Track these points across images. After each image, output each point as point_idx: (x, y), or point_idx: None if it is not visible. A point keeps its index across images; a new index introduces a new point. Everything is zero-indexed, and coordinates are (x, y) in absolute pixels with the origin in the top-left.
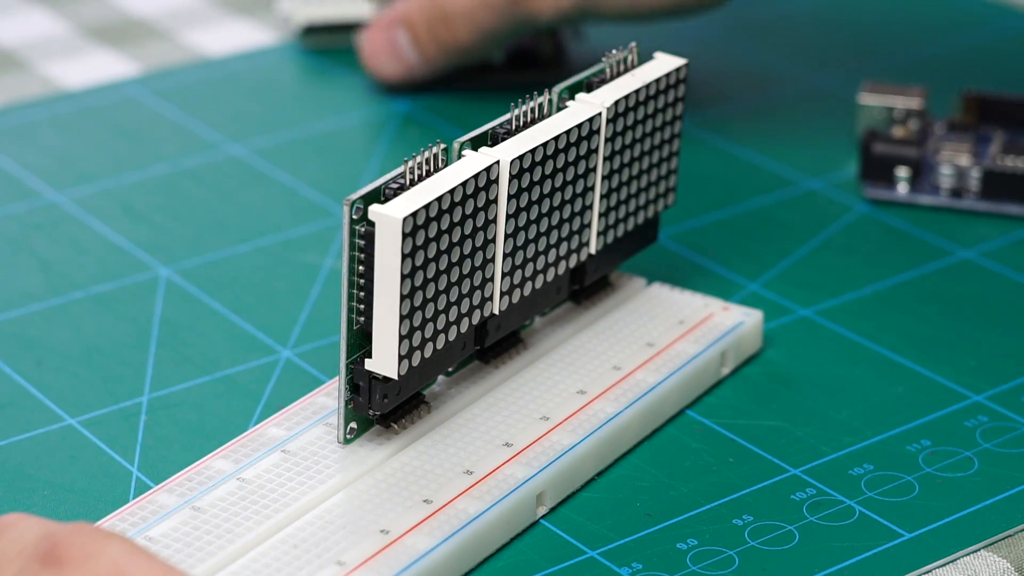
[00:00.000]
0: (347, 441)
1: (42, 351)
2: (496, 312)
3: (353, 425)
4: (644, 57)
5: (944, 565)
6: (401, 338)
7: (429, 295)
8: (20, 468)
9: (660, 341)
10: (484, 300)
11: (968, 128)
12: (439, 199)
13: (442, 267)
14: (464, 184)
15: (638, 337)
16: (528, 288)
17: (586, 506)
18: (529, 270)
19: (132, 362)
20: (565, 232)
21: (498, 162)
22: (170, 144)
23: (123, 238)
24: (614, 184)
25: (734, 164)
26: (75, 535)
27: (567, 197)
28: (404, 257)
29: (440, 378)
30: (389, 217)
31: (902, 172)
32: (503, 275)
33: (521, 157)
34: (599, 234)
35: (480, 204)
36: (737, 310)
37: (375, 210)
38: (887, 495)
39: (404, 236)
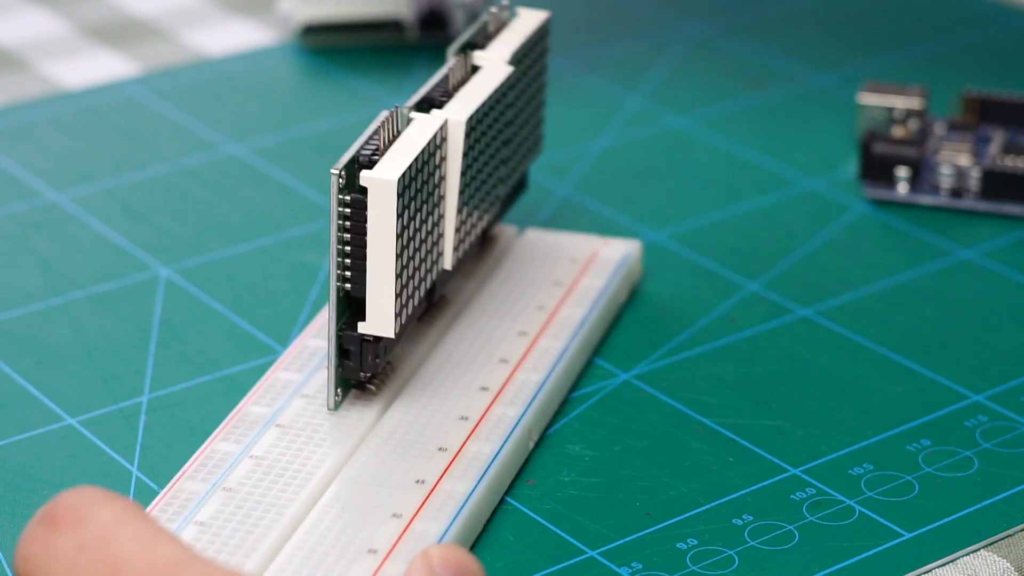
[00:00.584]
0: (336, 407)
1: (42, 351)
2: (448, 267)
3: (339, 391)
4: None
5: (944, 565)
6: (395, 296)
7: (411, 253)
8: (20, 468)
9: (565, 279)
10: (439, 256)
11: (968, 128)
12: (415, 159)
13: (417, 225)
14: (428, 144)
15: (544, 277)
16: (468, 244)
17: (586, 506)
18: (469, 226)
19: (132, 362)
20: (489, 188)
21: (449, 122)
22: (170, 144)
23: (123, 238)
24: (506, 138)
25: (734, 164)
26: (71, 497)
27: (493, 152)
28: (398, 217)
29: None
30: (383, 180)
31: (902, 172)
32: (455, 231)
33: (471, 115)
34: (501, 188)
35: (437, 162)
36: (617, 243)
37: (367, 175)
38: (887, 495)
39: (398, 196)
